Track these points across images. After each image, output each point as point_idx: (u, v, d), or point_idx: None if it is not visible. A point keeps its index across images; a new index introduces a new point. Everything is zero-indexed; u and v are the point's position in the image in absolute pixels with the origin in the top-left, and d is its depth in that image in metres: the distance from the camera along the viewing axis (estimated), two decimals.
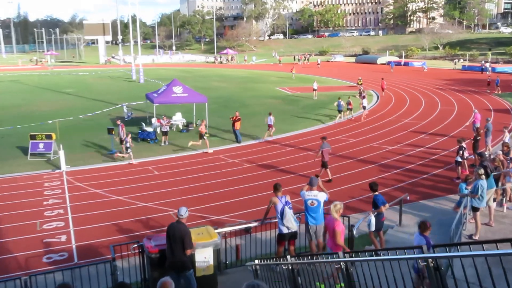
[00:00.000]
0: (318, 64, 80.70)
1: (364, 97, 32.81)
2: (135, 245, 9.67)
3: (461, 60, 77.69)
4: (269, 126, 25.51)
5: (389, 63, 71.65)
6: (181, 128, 28.82)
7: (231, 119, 25.21)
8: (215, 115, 33.50)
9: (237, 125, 24.91)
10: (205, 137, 23.09)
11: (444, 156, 21.56)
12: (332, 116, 32.64)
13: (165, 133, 24.71)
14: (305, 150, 23.13)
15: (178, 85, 27.44)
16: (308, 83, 54.92)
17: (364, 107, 32.01)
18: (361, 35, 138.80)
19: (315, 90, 42.38)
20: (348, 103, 31.38)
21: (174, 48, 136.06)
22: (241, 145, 24.70)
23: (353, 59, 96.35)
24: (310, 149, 23.30)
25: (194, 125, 29.52)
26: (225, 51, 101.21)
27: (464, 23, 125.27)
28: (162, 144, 24.30)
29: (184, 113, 32.41)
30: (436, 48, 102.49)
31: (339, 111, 30.84)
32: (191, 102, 28.50)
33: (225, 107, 37.41)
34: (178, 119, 29.60)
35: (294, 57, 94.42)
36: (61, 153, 20.19)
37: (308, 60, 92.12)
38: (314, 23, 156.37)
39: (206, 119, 28.03)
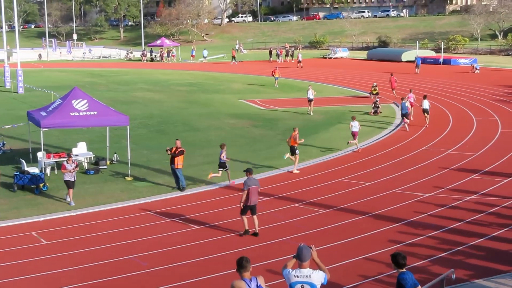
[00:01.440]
0: (299, 61, 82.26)
1: (425, 96, 38.66)
2: None
3: None
4: (354, 134, 31.37)
5: (416, 59, 73.55)
6: (86, 167, 28.57)
7: (169, 152, 25.20)
8: (142, 145, 33.37)
9: (179, 161, 24.90)
10: (297, 152, 27.74)
11: (509, 208, 21.98)
12: (336, 146, 33.03)
13: (71, 184, 23.42)
14: (287, 201, 23.21)
15: (81, 97, 27.33)
16: (294, 92, 55.58)
17: (425, 111, 37.93)
18: (375, 16, 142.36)
19: (311, 101, 43.24)
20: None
21: (75, 37, 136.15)
22: (185, 193, 24.64)
23: (363, 54, 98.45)
24: (293, 198, 23.42)
25: (108, 162, 29.37)
26: (159, 42, 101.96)
27: None
28: (68, 200, 23.39)
29: (92, 143, 32.15)
30: (493, 36, 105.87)
31: (404, 115, 37.23)
32: (103, 125, 28.33)
33: (159, 133, 37.39)
34: (82, 153, 29.37)
35: (271, 51, 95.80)
36: None
37: (292, 55, 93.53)
38: None
39: (128, 150, 27.90)
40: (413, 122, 38.28)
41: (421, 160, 29.46)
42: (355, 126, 31.34)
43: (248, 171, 19.83)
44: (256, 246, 18.57)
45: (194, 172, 27.40)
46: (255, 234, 19.49)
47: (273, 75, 60.51)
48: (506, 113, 42.57)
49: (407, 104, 37.55)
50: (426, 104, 37.72)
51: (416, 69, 71.37)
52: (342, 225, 20.41)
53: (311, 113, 42.97)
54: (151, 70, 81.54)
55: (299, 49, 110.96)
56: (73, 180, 23.38)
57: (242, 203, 19.25)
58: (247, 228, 19.52)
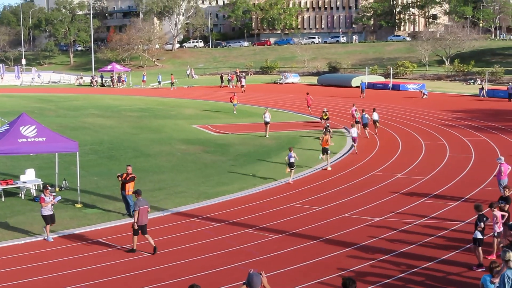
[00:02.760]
0: (242, 86, 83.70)
1: (374, 109, 45.73)
2: None
3: (478, 81, 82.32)
4: (354, 139, 37.69)
5: (361, 84, 74.85)
6: (34, 194, 28.14)
7: (120, 179, 25.01)
8: (92, 171, 33.02)
9: (129, 187, 24.72)
10: (328, 152, 33.52)
11: (457, 231, 22.34)
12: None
13: (49, 219, 22.06)
14: (239, 226, 23.20)
15: (29, 123, 26.98)
16: (246, 117, 55.76)
17: (376, 121, 44.78)
18: (326, 42, 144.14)
19: (267, 124, 44.46)
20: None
21: (24, 62, 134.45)
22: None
23: (314, 80, 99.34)
24: (244, 224, 23.42)
25: (57, 188, 28.98)
26: (109, 67, 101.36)
27: (481, 25, 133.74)
28: (49, 239, 22.19)
29: (41, 169, 31.67)
30: (440, 62, 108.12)
31: (365, 125, 43.58)
32: (51, 151, 27.95)
33: (109, 159, 37.07)
34: (30, 180, 28.93)
35: (222, 77, 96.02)
36: None
37: (241, 80, 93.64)
38: (253, 24, 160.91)
39: (77, 177, 27.60)
40: (364, 140, 38.94)
41: (371, 184, 29.78)
42: (354, 132, 37.98)
43: (137, 193, 20.97)
44: (207, 273, 18.48)
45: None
46: (154, 249, 20.25)
47: (231, 101, 59.87)
48: (453, 137, 43.37)
49: (367, 115, 44.07)
50: (375, 116, 44.88)
51: (361, 94, 72.53)
52: (293, 250, 20.46)
53: (267, 135, 44.08)
54: (101, 96, 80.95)
55: (250, 74, 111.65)
56: (51, 213, 22.11)
57: (135, 223, 20.28)
58: (135, 247, 20.45)
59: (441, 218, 23.88)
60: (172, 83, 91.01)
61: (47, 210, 22.08)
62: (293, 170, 30.59)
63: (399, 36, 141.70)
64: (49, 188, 23.11)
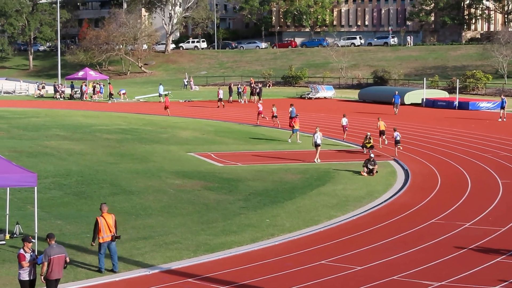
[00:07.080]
0: (220, 100, 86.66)
1: (273, 104, 65.52)
2: None
3: None
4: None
5: (395, 98, 76.21)
6: None
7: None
8: (55, 213, 32.93)
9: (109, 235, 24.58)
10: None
11: None
12: (316, 216, 32.99)
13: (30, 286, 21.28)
14: None
15: None
16: (262, 143, 55.60)
17: (275, 116, 64.62)
18: (370, 44, 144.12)
19: (318, 146, 46.74)
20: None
21: None
22: (112, 279, 24.24)
23: (354, 94, 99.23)
24: (257, 287, 23.28)
25: (8, 235, 28.91)
26: (81, 74, 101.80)
27: None
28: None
29: None
30: None
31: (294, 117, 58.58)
32: (1, 186, 28.01)
33: (78, 196, 36.95)
34: None
35: (231, 88, 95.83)
36: None
37: (259, 94, 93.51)
38: (273, 19, 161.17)
39: (35, 220, 27.58)
40: (419, 177, 38.78)
41: (430, 237, 29.47)
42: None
43: (49, 237, 20.80)
44: None
45: (125, 250, 27.00)
46: None
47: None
48: None
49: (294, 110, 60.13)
50: (275, 110, 64.31)
51: (395, 109, 73.52)
52: None
53: (318, 161, 46.47)
54: (69, 111, 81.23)
55: (269, 86, 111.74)
56: (33, 278, 20.75)
57: (42, 277, 20.29)
58: None
59: None
60: (110, 95, 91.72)
61: (26, 273, 20.76)
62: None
63: None
64: (33, 241, 22.09)
